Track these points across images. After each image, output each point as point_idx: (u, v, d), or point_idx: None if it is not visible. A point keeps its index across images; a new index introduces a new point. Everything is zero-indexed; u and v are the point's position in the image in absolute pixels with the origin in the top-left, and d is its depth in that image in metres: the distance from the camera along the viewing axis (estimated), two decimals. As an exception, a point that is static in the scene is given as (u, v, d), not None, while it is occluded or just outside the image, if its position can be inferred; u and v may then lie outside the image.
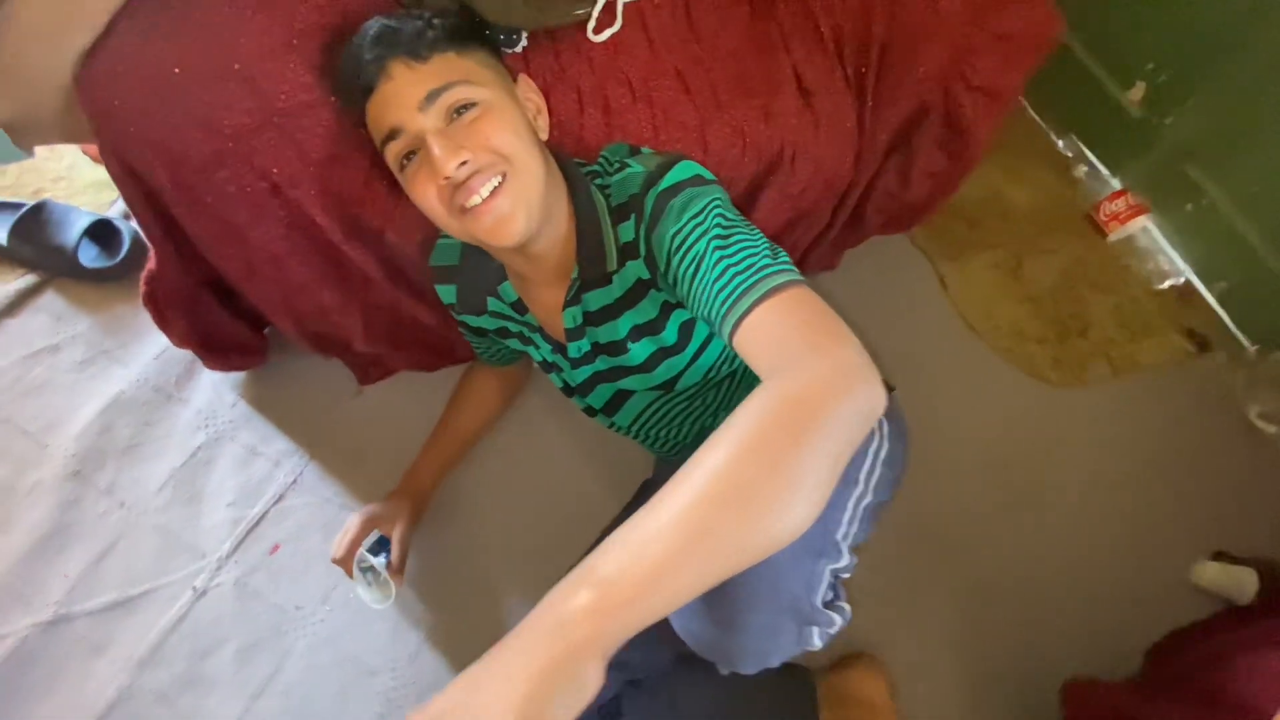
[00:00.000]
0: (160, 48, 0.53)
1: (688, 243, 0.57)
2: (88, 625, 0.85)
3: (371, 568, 0.78)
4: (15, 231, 1.01)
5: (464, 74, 0.59)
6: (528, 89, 0.67)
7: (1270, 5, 1.02)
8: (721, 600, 0.51)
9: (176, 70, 0.53)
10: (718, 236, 0.55)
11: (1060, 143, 1.42)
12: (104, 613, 0.86)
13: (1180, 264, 1.29)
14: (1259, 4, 1.03)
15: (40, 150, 1.15)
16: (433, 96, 0.58)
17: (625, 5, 0.84)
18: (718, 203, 0.58)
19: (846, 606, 0.61)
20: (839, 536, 0.59)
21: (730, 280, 0.53)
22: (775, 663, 0.57)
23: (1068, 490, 1.06)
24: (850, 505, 0.63)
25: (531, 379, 1.04)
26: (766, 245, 0.56)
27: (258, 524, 0.92)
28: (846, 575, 0.61)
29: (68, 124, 0.57)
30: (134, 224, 1.09)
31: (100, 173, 1.16)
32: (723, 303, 0.53)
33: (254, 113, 0.57)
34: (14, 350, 1.00)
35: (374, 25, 0.59)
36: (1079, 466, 1.08)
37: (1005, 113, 0.88)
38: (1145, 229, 1.32)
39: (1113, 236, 1.31)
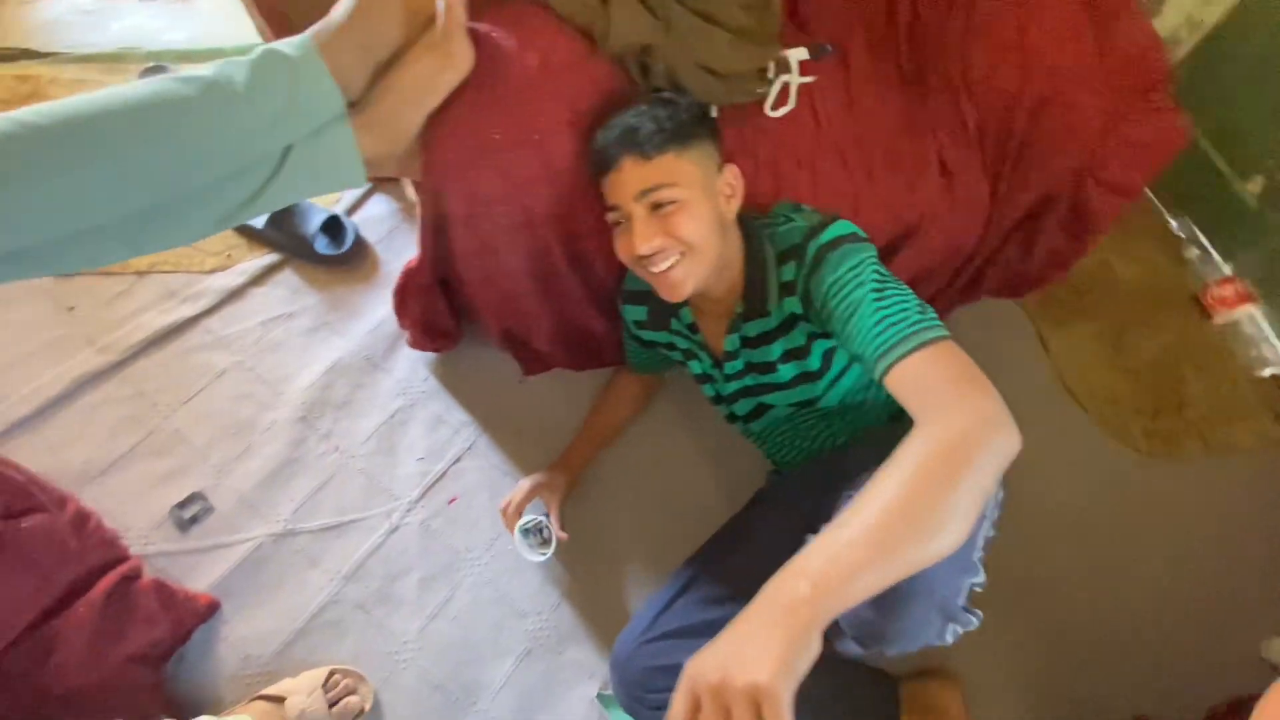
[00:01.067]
0: (486, 116, 0.73)
1: (845, 290, 0.71)
2: (307, 540, 1.07)
3: (537, 527, 0.97)
4: (271, 220, 1.26)
5: (675, 176, 0.76)
6: (731, 176, 0.84)
7: None
8: (889, 594, 0.59)
9: (497, 135, 0.73)
10: (874, 289, 0.70)
11: (1174, 223, 1.48)
12: (320, 532, 1.07)
13: (1283, 354, 1.34)
14: None
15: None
16: (645, 193, 0.76)
17: (798, 87, 1.00)
18: (872, 259, 0.73)
19: (977, 613, 0.71)
20: (975, 558, 0.70)
21: (887, 328, 0.67)
22: (915, 649, 0.69)
23: (1150, 554, 1.13)
24: (980, 533, 0.73)
25: (664, 390, 1.21)
26: (916, 301, 0.69)
27: (440, 478, 1.12)
28: (978, 589, 0.72)
29: (405, 162, 0.77)
30: (356, 221, 1.32)
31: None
32: (878, 346, 0.67)
33: (538, 169, 0.76)
34: (259, 313, 1.24)
35: (619, 125, 0.77)
36: (1163, 534, 1.15)
37: (1127, 207, 0.98)
38: (1251, 316, 1.36)
39: (1218, 320, 1.37)
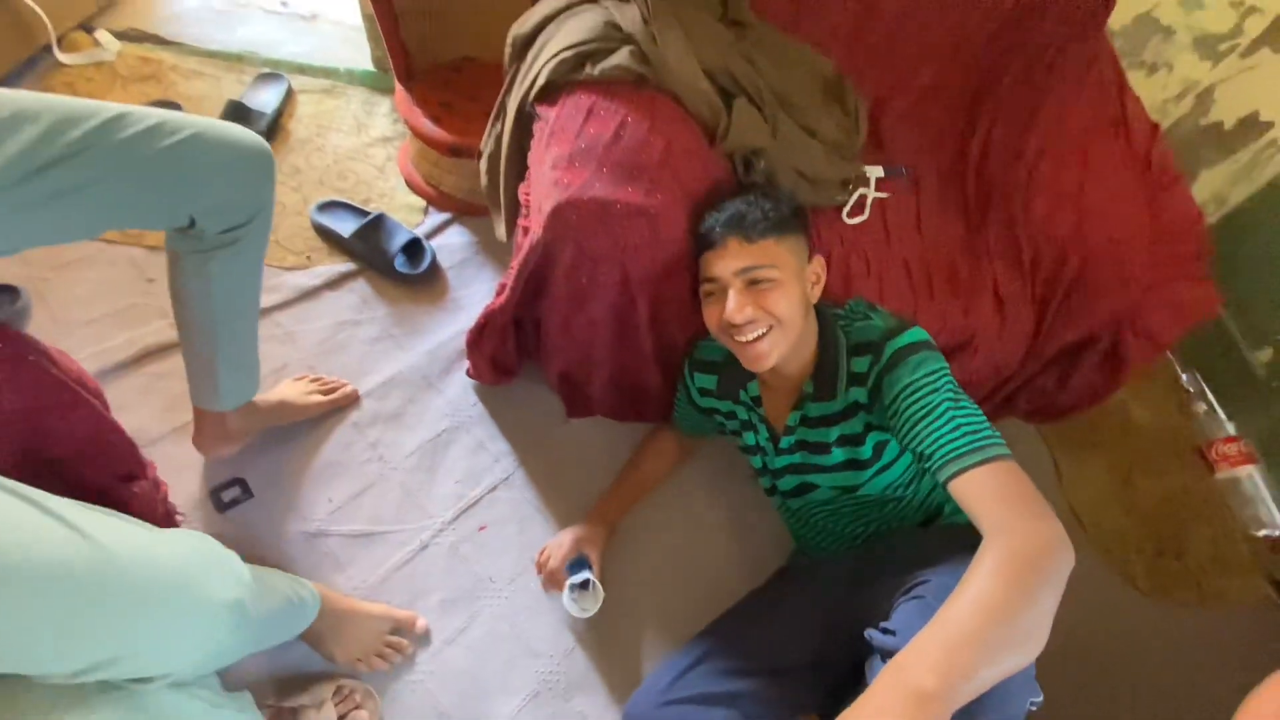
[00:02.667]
0: (612, 187, 0.81)
1: (921, 392, 0.78)
2: (338, 544, 1.08)
3: (585, 582, 0.99)
4: (358, 232, 1.33)
5: (772, 259, 0.85)
6: (818, 265, 0.92)
7: None
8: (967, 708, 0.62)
9: (619, 205, 0.80)
10: (951, 397, 0.77)
11: (1185, 377, 1.57)
12: (352, 538, 1.09)
13: (1278, 516, 1.40)
14: None
15: (372, 170, 1.49)
16: (746, 270, 0.85)
17: (873, 201, 1.10)
18: (946, 370, 0.81)
19: None
20: (1033, 675, 0.73)
21: (960, 435, 0.73)
22: None
23: (1136, 691, 1.15)
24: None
25: (698, 456, 1.25)
26: (986, 419, 0.76)
27: (475, 504, 1.15)
28: (1035, 708, 0.73)
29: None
30: (435, 245, 1.40)
31: (411, 199, 1.49)
32: (952, 450, 0.73)
33: (646, 237, 0.84)
34: (329, 316, 1.29)
35: (730, 208, 0.86)
36: (1148, 674, 1.18)
37: (1159, 357, 1.07)
38: (1251, 477, 1.44)
39: (1220, 475, 1.44)
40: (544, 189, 0.85)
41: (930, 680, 0.55)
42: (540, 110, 0.91)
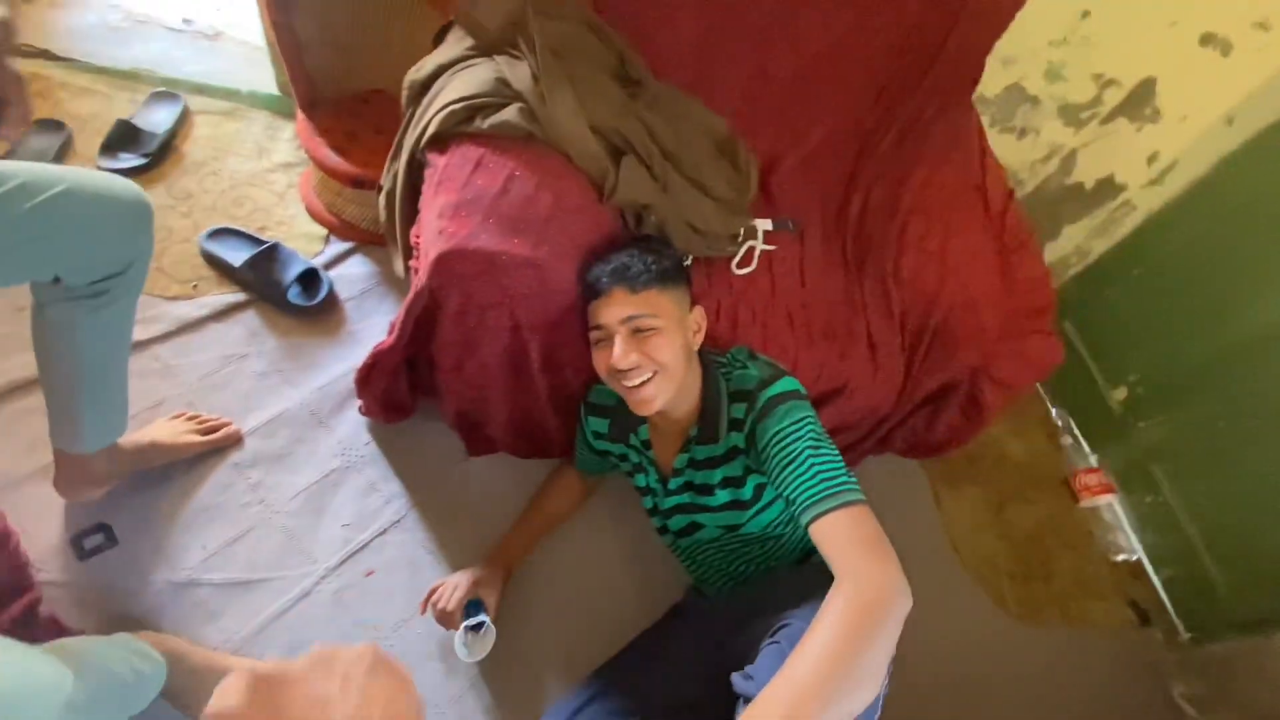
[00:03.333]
0: (499, 239, 0.83)
1: (786, 440, 0.83)
2: (210, 593, 1.03)
3: (476, 625, 0.98)
4: (250, 261, 1.28)
5: (656, 309, 0.89)
6: (699, 315, 0.97)
7: (1240, 358, 1.31)
8: None
9: (504, 257, 0.82)
10: (812, 444, 0.81)
11: (1054, 411, 1.71)
12: (225, 587, 1.04)
13: (1135, 543, 1.54)
14: (1231, 355, 1.33)
15: (271, 197, 1.45)
16: (632, 319, 0.88)
17: (761, 253, 1.16)
18: (812, 418, 0.86)
19: None
20: (876, 717, 0.77)
21: (818, 482, 0.78)
22: None
23: (1008, 710, 1.24)
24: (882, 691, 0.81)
25: (598, 493, 1.27)
26: (843, 464, 0.81)
27: (362, 548, 1.12)
28: None
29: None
30: (332, 276, 1.37)
31: (313, 228, 1.46)
32: (809, 496, 0.77)
33: (535, 287, 0.86)
34: (213, 349, 1.24)
35: (615, 260, 0.90)
36: (1018, 695, 1.27)
37: (1014, 402, 1.17)
38: (1111, 505, 1.58)
39: (1083, 504, 1.57)
40: (430, 236, 0.85)
41: None
42: (430, 158, 0.92)
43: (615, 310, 0.88)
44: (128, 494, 1.06)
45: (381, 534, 1.14)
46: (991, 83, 1.53)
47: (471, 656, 0.98)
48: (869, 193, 1.22)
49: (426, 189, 0.91)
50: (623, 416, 1.02)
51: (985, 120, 1.52)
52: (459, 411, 1.13)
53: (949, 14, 1.19)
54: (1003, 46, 1.30)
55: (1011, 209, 1.17)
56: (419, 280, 0.86)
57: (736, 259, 1.13)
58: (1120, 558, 1.52)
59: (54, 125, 1.41)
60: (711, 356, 0.99)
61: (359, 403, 1.19)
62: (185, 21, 1.70)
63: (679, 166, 1.02)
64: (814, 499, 0.77)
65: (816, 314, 1.12)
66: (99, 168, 1.38)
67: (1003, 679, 1.28)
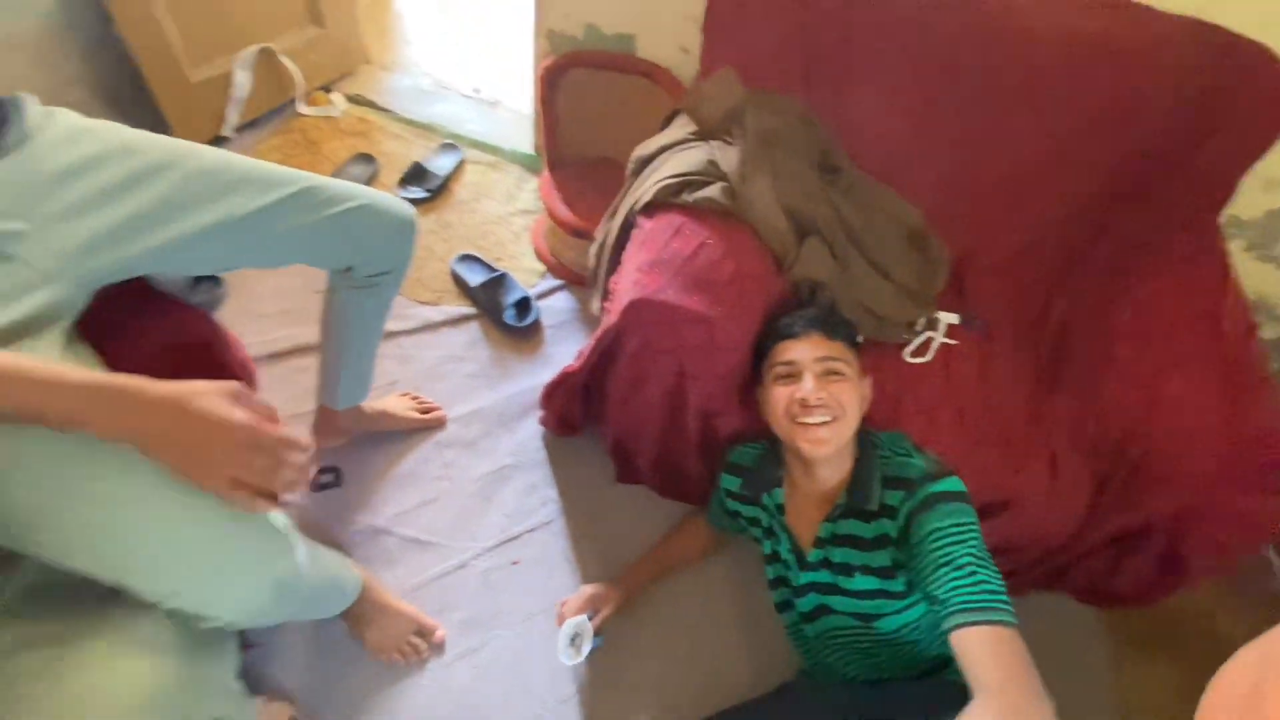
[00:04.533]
0: (682, 295, 0.95)
1: (948, 540, 0.80)
2: (395, 544, 1.24)
3: (580, 634, 1.06)
4: (483, 284, 1.57)
5: (845, 358, 0.95)
6: (867, 385, 1.00)
7: None
8: None
9: (683, 311, 0.94)
10: (975, 553, 0.79)
11: (1298, 600, 1.39)
12: (406, 541, 1.25)
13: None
14: None
15: (509, 234, 1.73)
16: (825, 360, 0.94)
17: (939, 345, 1.15)
18: (977, 527, 0.82)
19: None
20: None
21: (978, 590, 0.74)
22: None
23: None
24: None
25: (730, 551, 1.30)
26: (1004, 587, 0.76)
27: (515, 539, 1.28)
28: None
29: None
30: (540, 305, 1.60)
31: (535, 264, 1.72)
32: (964, 602, 0.74)
33: (704, 341, 0.96)
34: (442, 348, 1.52)
35: (816, 309, 0.98)
36: None
37: (1227, 569, 0.99)
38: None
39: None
40: (626, 284, 1.00)
41: None
42: (640, 220, 1.08)
43: (810, 350, 0.94)
44: (359, 448, 1.33)
45: (532, 531, 1.29)
46: (1249, 204, 1.36)
47: (566, 657, 1.04)
48: (1076, 305, 1.15)
49: (631, 245, 1.06)
50: (758, 477, 1.05)
51: (1240, 244, 1.36)
52: (617, 440, 1.25)
53: (1204, 126, 1.11)
54: (1270, 166, 1.17)
55: (1250, 346, 1.03)
56: (610, 319, 1.00)
57: (911, 347, 1.13)
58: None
59: (368, 159, 1.85)
60: (870, 433, 0.99)
61: (540, 414, 1.38)
62: (475, 90, 2.14)
63: (862, 249, 1.07)
64: (968, 605, 0.74)
65: (992, 419, 1.07)
66: (395, 195, 1.78)
67: None
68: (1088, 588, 1.17)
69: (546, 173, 1.65)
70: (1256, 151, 1.08)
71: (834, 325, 0.97)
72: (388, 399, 1.38)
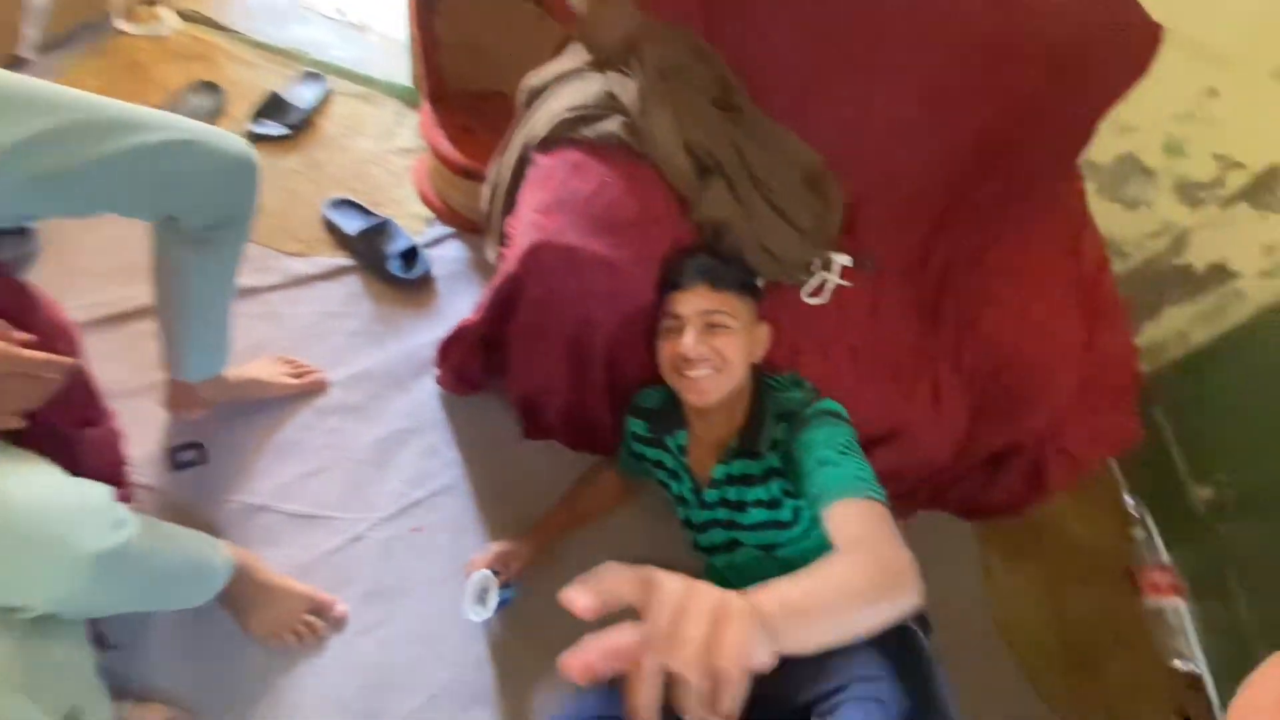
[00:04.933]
0: (585, 238, 0.89)
1: (819, 447, 0.83)
2: (277, 521, 1.13)
3: (486, 588, 1.03)
4: (363, 232, 1.41)
5: (731, 309, 0.94)
6: (763, 331, 1.00)
7: None
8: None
9: (586, 255, 0.88)
10: (844, 449, 0.82)
11: (1130, 500, 1.61)
12: (291, 517, 1.14)
13: (1198, 653, 1.42)
14: None
15: (389, 177, 1.58)
16: (709, 313, 0.93)
17: (834, 286, 1.17)
18: (852, 435, 0.87)
19: None
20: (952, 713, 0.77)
21: (852, 479, 0.77)
22: None
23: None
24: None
25: (644, 496, 1.30)
26: (874, 474, 0.80)
27: (415, 505, 1.20)
28: None
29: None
30: (429, 255, 1.48)
31: (420, 209, 1.58)
32: (836, 486, 0.76)
33: (609, 287, 0.92)
34: (317, 304, 1.37)
35: (704, 259, 0.96)
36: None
37: (1081, 478, 1.12)
38: (1177, 609, 1.46)
39: (1147, 602, 1.47)
40: (524, 227, 0.92)
41: (772, 604, 0.52)
42: (535, 157, 1.00)
43: (695, 302, 0.94)
44: (224, 420, 1.18)
45: (434, 495, 1.22)
46: (1103, 149, 1.48)
47: (473, 613, 1.02)
48: (956, 245, 1.21)
49: (527, 185, 0.98)
50: (663, 420, 1.06)
51: (1092, 187, 1.48)
52: (522, 394, 1.19)
53: (1070, 71, 1.17)
54: (1121, 113, 1.26)
55: (1104, 279, 1.14)
56: (508, 265, 0.93)
57: (807, 288, 1.15)
58: (1178, 664, 1.41)
59: (212, 88, 1.59)
60: (765, 376, 1.01)
61: (436, 372, 1.28)
62: (339, 11, 1.89)
63: (765, 192, 1.06)
64: (842, 488, 0.75)
65: (883, 353, 1.12)
66: (249, 130, 1.55)
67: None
68: (965, 504, 1.28)
69: (427, 106, 1.50)
70: (1115, 97, 1.16)
71: (721, 275, 0.95)
72: (256, 364, 1.23)
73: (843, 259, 1.19)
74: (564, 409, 1.16)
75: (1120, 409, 1.07)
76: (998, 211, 1.22)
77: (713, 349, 0.92)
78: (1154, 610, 1.47)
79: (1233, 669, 1.37)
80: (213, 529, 1.09)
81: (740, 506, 0.98)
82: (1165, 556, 1.53)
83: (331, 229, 1.46)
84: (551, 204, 0.91)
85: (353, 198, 1.50)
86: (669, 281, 0.97)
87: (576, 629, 0.47)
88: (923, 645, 0.85)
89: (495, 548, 1.10)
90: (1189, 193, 1.52)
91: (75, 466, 0.72)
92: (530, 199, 0.94)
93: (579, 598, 0.46)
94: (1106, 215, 1.52)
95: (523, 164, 1.04)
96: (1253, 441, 1.42)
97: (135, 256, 1.29)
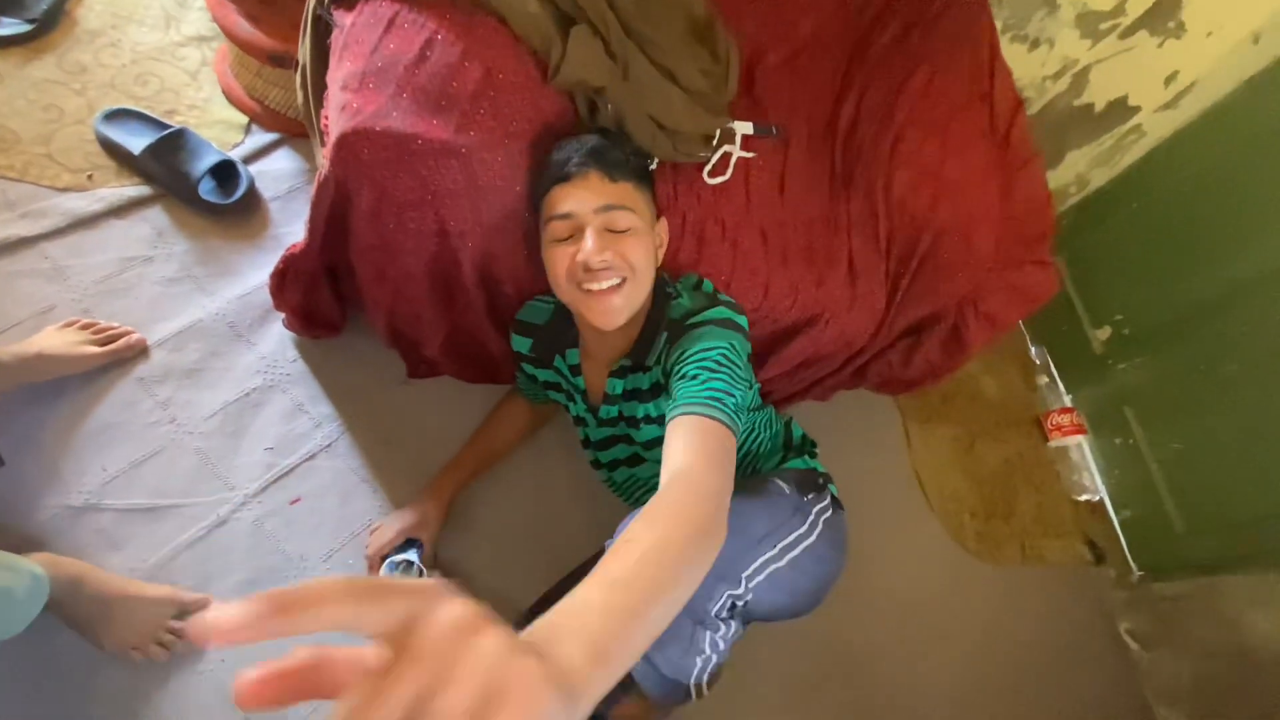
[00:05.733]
0: (412, 117, 0.68)
1: (687, 364, 0.73)
2: (112, 520, 0.93)
3: (405, 563, 0.90)
4: (151, 149, 1.11)
5: (633, 203, 0.78)
6: (662, 228, 0.85)
7: (1230, 302, 1.25)
8: None
9: (419, 141, 0.68)
10: (711, 367, 0.71)
11: (1033, 349, 1.65)
12: (129, 513, 0.94)
13: (1099, 483, 1.52)
14: (1221, 298, 1.27)
15: (182, 76, 1.26)
16: (608, 208, 0.76)
17: (736, 160, 1.03)
18: (725, 348, 0.74)
19: (735, 625, 0.73)
20: (744, 573, 0.72)
21: (702, 390, 0.68)
22: (668, 668, 0.69)
23: (958, 646, 1.24)
24: (761, 560, 0.75)
25: (552, 421, 1.18)
26: (737, 396, 0.70)
27: (287, 474, 1.03)
28: (740, 604, 0.73)
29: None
30: (251, 171, 1.20)
31: (232, 114, 1.27)
32: (689, 398, 0.68)
33: (461, 182, 0.72)
34: (112, 249, 1.09)
35: (593, 140, 0.77)
36: (973, 628, 1.27)
37: (999, 337, 1.08)
38: (1079, 445, 1.55)
39: (1053, 443, 1.54)
40: (333, 113, 0.71)
41: (575, 652, 0.35)
42: (337, 16, 0.76)
43: (590, 196, 0.75)
44: (15, 410, 0.94)
45: (310, 459, 1.05)
46: (1007, -21, 1.36)
47: None
48: (862, 98, 1.08)
49: (332, 57, 0.75)
50: (549, 337, 0.92)
51: (997, 24, 1.37)
52: (391, 328, 1.01)
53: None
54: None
55: (1018, 123, 1.05)
56: (323, 168, 0.72)
57: (709, 166, 1.00)
58: (1083, 497, 1.51)
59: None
60: (664, 282, 0.88)
61: (282, 316, 1.07)
62: None
63: (644, 47, 0.87)
64: (691, 401, 0.67)
65: (795, 233, 1.01)
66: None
67: (955, 612, 1.28)
68: (883, 381, 1.24)
69: (207, -25, 1.16)
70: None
71: (616, 161, 0.77)
72: (41, 335, 0.97)
73: (744, 126, 1.03)
74: (443, 340, 0.99)
75: (1039, 262, 1.02)
76: (903, 57, 1.09)
77: (618, 254, 0.75)
78: (1059, 450, 1.54)
79: (1131, 494, 1.47)
80: (31, 542, 0.89)
81: (634, 422, 0.88)
82: (1067, 399, 1.59)
83: (112, 150, 1.14)
84: (364, 76, 0.69)
85: (135, 107, 1.18)
86: (550, 174, 0.78)
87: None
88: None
89: (396, 524, 0.96)
90: (1090, 24, 1.43)
91: None
92: (336, 74, 0.71)
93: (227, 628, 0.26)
94: (1010, 57, 1.41)
95: (324, 31, 0.79)
96: (1145, 280, 1.45)
97: None
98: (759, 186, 1.02)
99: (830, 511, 0.86)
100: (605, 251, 0.75)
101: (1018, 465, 1.52)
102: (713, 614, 0.70)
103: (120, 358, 1.01)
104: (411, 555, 0.92)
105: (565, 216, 0.77)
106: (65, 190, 1.10)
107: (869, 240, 1.04)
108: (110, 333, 1.01)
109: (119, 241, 1.10)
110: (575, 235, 0.76)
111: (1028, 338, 1.66)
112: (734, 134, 1.03)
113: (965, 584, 1.32)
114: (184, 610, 0.90)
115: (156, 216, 1.13)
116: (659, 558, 0.47)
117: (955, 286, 1.00)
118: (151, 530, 0.94)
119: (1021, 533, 1.45)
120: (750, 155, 1.04)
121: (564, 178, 0.77)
